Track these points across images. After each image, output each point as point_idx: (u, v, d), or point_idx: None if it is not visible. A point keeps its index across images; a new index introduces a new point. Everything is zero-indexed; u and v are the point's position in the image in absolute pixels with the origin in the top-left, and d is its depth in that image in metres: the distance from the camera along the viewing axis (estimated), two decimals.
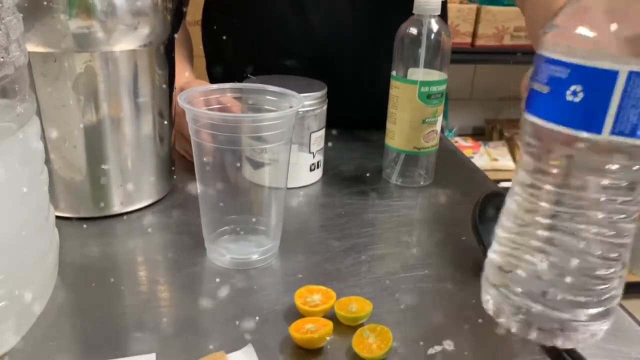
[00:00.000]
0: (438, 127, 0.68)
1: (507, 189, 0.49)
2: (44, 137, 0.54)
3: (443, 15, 0.67)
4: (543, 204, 0.35)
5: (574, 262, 0.34)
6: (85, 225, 0.57)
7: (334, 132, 0.84)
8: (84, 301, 0.46)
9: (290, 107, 0.50)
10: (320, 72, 0.70)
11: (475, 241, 0.57)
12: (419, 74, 0.64)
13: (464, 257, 0.55)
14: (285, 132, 0.49)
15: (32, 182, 0.44)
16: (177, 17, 0.59)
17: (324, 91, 0.66)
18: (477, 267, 0.53)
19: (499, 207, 0.54)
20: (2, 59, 0.38)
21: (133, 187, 0.59)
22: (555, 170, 0.34)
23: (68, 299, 0.46)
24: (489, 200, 0.54)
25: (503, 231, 0.39)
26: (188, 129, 0.49)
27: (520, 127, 0.36)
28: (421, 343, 0.43)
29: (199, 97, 0.51)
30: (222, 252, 0.52)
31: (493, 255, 0.39)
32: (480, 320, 0.46)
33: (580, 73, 0.32)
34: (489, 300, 0.39)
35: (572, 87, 0.32)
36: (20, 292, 0.41)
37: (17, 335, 0.41)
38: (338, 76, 0.73)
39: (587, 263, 0.34)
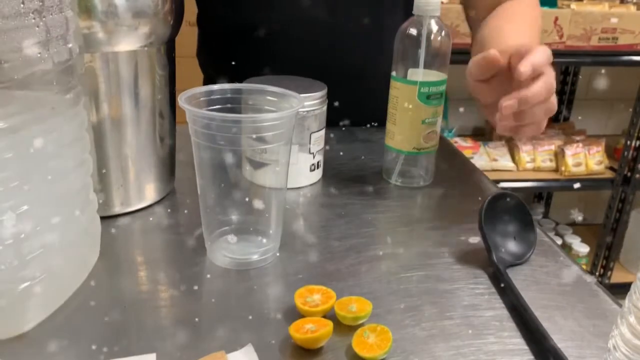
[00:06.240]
0: (438, 128, 0.68)
1: (510, 190, 0.49)
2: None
3: None
4: None
5: None
6: None
7: (334, 132, 0.84)
8: (84, 301, 0.46)
9: (291, 107, 0.50)
10: (320, 73, 0.70)
11: (476, 241, 0.57)
12: (418, 74, 0.65)
13: (464, 257, 0.55)
14: (285, 132, 0.49)
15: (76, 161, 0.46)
16: (178, 18, 0.59)
17: (324, 92, 0.66)
18: (477, 267, 0.53)
19: (503, 209, 0.55)
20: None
21: (133, 187, 0.59)
22: None
23: (67, 300, 0.46)
24: (495, 203, 0.54)
25: None
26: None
27: None
28: (421, 344, 0.43)
29: (200, 97, 0.51)
30: (222, 252, 0.52)
31: None
32: (479, 322, 0.46)
33: None
34: None
35: None
36: (58, 268, 0.43)
37: (46, 312, 0.43)
38: (338, 77, 0.73)
39: None
